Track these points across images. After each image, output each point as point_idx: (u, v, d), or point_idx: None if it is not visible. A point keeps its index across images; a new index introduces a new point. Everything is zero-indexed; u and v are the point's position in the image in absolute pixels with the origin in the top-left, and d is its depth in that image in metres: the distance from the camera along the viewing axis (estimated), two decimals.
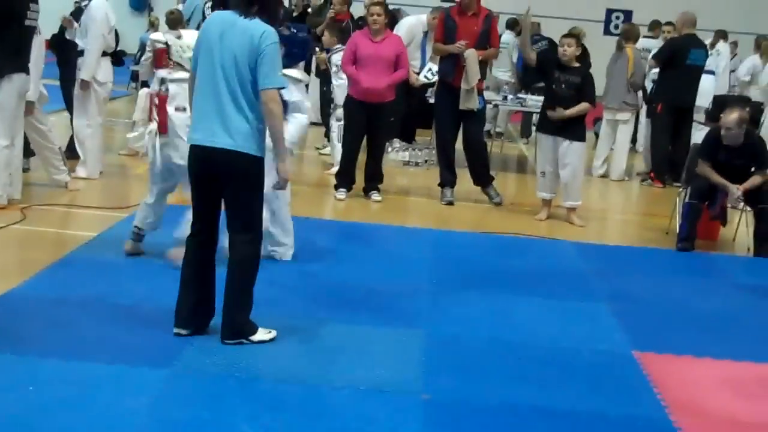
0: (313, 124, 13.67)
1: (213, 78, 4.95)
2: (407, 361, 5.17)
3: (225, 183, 5.03)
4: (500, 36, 14.80)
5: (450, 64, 9.42)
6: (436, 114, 9.96)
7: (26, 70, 7.87)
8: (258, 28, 4.92)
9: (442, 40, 9.50)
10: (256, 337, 5.16)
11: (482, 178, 9.77)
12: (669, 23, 12.85)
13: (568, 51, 8.92)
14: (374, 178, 9.55)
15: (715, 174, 8.29)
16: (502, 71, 14.61)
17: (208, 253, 5.20)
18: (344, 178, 9.50)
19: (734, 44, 15.45)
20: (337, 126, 10.15)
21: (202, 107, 5.02)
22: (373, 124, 9.38)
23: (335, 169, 9.82)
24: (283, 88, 5.17)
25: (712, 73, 12.78)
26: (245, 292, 5.14)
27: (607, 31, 19.96)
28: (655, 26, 14.34)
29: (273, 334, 5.23)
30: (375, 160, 9.60)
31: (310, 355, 5.15)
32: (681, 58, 11.37)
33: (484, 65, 9.64)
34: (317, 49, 11.28)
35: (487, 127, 13.79)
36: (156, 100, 6.34)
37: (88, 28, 9.16)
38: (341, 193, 9.43)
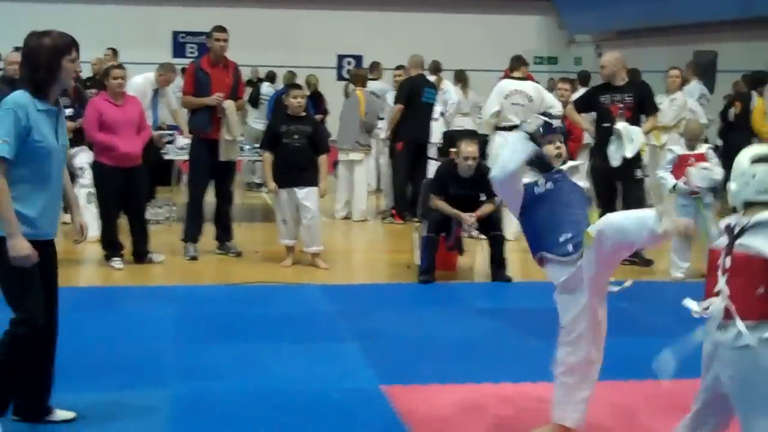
0: None
1: None
2: (154, 424, 5.06)
3: None
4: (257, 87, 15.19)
5: (205, 116, 9.36)
6: (191, 168, 9.79)
7: None
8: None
9: (193, 92, 9.41)
10: None
11: (228, 231, 9.76)
12: (401, 67, 13.25)
13: (293, 102, 9.12)
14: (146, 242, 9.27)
15: (447, 206, 8.61)
16: (258, 121, 14.77)
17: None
18: (115, 246, 9.13)
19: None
20: (85, 193, 9.86)
21: None
22: (132, 188, 9.04)
23: (91, 234, 9.59)
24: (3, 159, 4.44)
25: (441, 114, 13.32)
26: None
27: (340, 77, 20.43)
28: (374, 68, 14.84)
29: None
30: (141, 225, 9.25)
31: (52, 430, 4.94)
32: (417, 97, 11.81)
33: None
34: None
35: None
36: None
37: None
38: (118, 262, 9.07)
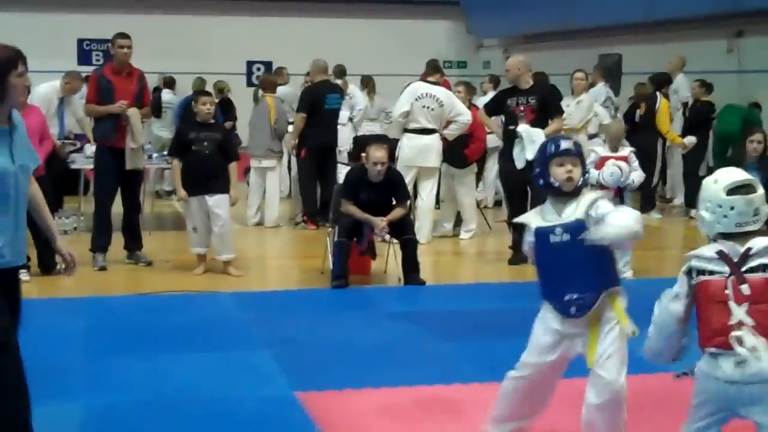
0: None
1: None
2: None
3: None
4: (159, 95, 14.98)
5: (110, 125, 9.21)
6: (97, 177, 9.67)
7: None
8: None
9: (96, 101, 9.28)
10: None
11: (138, 240, 9.63)
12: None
13: (202, 108, 9.04)
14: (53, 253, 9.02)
15: (358, 211, 8.60)
16: (164, 129, 14.62)
17: None
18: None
19: None
20: None
21: None
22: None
23: None
24: None
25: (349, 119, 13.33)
26: None
27: (249, 83, 20.29)
28: (278, 73, 14.84)
29: None
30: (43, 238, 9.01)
31: None
32: (319, 104, 11.79)
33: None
34: None
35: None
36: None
37: None
38: (24, 274, 8.82)
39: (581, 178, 4.41)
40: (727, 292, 3.62)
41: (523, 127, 9.35)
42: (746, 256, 3.61)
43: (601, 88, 13.70)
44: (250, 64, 21.31)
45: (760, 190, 3.71)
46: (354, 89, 13.80)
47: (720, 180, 3.72)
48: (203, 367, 6.20)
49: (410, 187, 10.29)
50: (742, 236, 3.67)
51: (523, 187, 9.59)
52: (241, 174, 12.10)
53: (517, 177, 9.53)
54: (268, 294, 8.58)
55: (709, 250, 3.72)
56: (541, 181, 4.43)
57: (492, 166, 12.53)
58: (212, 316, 7.66)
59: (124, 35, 9.33)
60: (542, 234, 4.36)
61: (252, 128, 12.23)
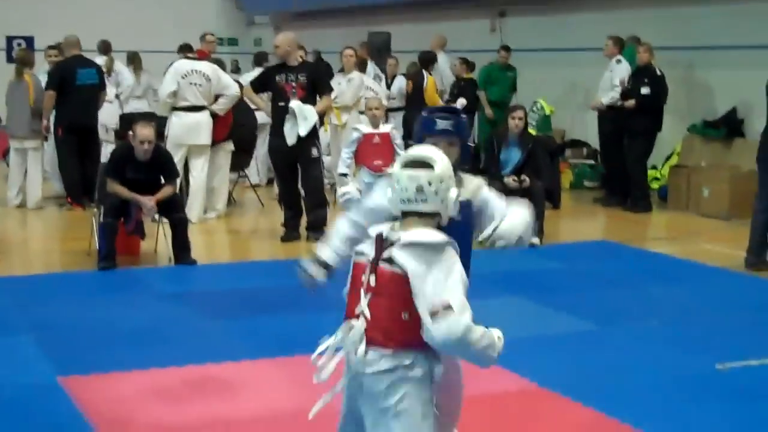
0: None
1: None
2: None
3: None
4: None
5: None
6: None
7: None
8: None
9: None
10: None
11: None
12: (53, 47, 12.63)
13: None
14: None
15: (125, 190, 8.34)
16: None
17: None
18: None
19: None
20: None
21: None
22: None
23: None
24: None
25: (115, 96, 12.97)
26: None
27: (10, 59, 19.39)
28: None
29: None
30: None
31: None
32: (70, 80, 11.36)
33: None
34: None
35: None
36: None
37: None
38: None
39: (459, 158, 3.86)
40: (363, 278, 3.24)
41: (295, 104, 9.32)
42: (392, 244, 3.20)
43: (369, 66, 13.85)
44: (9, 39, 20.38)
45: (436, 171, 3.22)
46: (120, 66, 13.38)
47: (404, 154, 3.36)
48: None
49: (181, 166, 10.10)
50: (414, 217, 3.25)
51: (294, 165, 9.59)
52: (1, 154, 11.58)
53: (287, 154, 9.51)
54: (30, 278, 8.23)
55: (374, 229, 3.33)
56: None
57: (262, 143, 12.43)
58: None
59: None
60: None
61: (10, 107, 11.65)
